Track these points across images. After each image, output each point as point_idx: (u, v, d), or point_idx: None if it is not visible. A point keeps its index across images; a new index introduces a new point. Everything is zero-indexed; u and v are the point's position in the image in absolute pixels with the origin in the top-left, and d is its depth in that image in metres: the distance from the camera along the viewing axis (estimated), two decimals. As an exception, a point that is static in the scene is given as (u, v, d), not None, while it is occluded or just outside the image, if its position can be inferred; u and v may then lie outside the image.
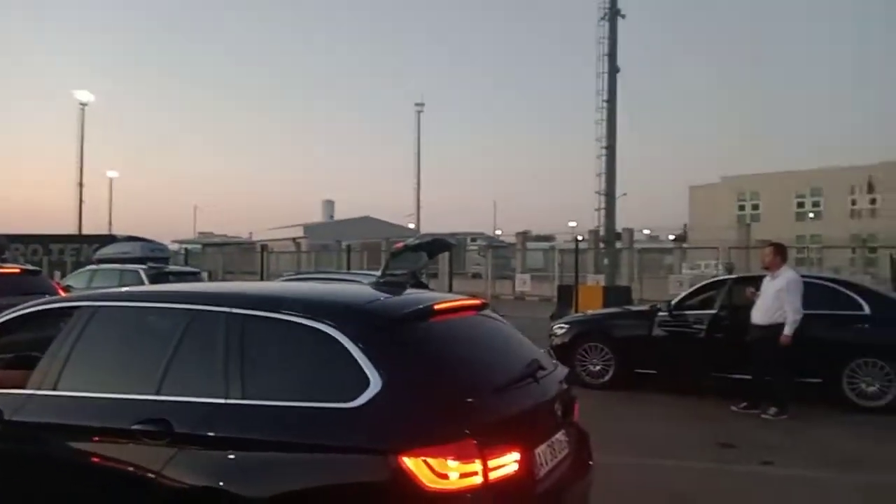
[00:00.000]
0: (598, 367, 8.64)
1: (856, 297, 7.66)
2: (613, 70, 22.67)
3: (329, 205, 69.28)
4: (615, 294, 17.75)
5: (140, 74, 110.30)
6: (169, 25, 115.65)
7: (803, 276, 7.35)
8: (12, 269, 9.48)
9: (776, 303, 7.05)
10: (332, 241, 35.90)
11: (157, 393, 2.87)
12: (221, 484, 2.58)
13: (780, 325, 6.93)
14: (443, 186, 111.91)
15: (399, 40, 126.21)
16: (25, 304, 3.73)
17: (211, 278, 17.01)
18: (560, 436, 3.10)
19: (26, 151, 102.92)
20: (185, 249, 34.06)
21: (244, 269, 33.09)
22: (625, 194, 23.57)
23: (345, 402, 2.57)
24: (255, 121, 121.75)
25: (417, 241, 4.38)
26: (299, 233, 51.63)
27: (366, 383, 2.58)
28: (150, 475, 2.71)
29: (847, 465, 5.54)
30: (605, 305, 14.34)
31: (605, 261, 23.42)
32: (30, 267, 10.44)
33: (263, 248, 30.02)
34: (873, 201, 45.21)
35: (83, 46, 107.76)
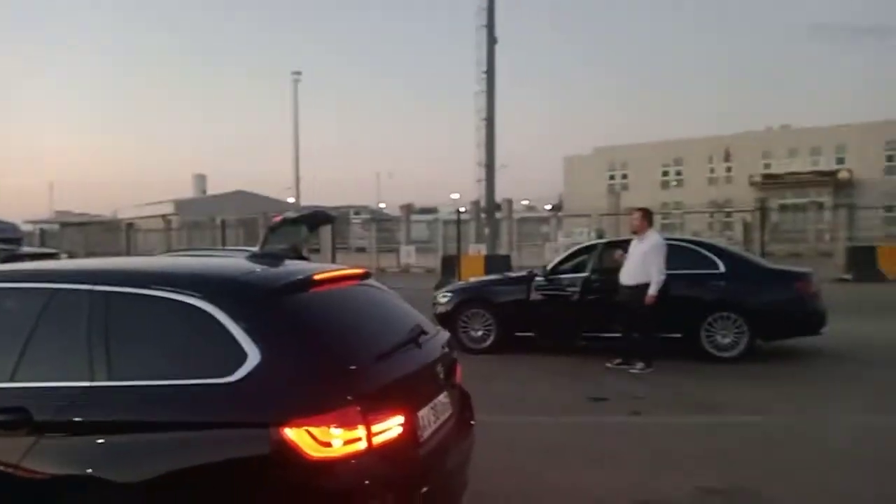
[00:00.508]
0: (479, 333, 8.90)
1: (713, 256, 8.34)
2: (492, 42, 23.01)
3: (201, 179, 65.82)
4: (496, 262, 18.28)
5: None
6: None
7: (667, 239, 7.90)
8: None
9: (642, 264, 7.54)
10: (205, 218, 34.31)
11: (12, 380, 2.65)
12: (90, 471, 2.44)
13: (646, 285, 7.43)
14: (324, 160, 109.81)
15: (276, 8, 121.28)
16: None
17: (71, 259, 15.79)
18: (443, 398, 3.17)
19: None
20: (41, 230, 31.40)
21: (109, 250, 31.00)
22: (505, 166, 24.31)
23: (222, 377, 2.49)
24: (119, 91, 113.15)
25: (297, 215, 4.29)
26: (169, 209, 48.89)
27: (243, 357, 2.52)
28: (6, 468, 2.51)
29: (703, 410, 6.08)
30: (487, 274, 14.73)
31: (487, 231, 23.99)
32: None
33: (129, 225, 28.25)
34: (729, 169, 49.10)
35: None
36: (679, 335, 8.13)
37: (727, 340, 7.96)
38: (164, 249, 22.09)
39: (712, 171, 49.81)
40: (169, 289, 2.74)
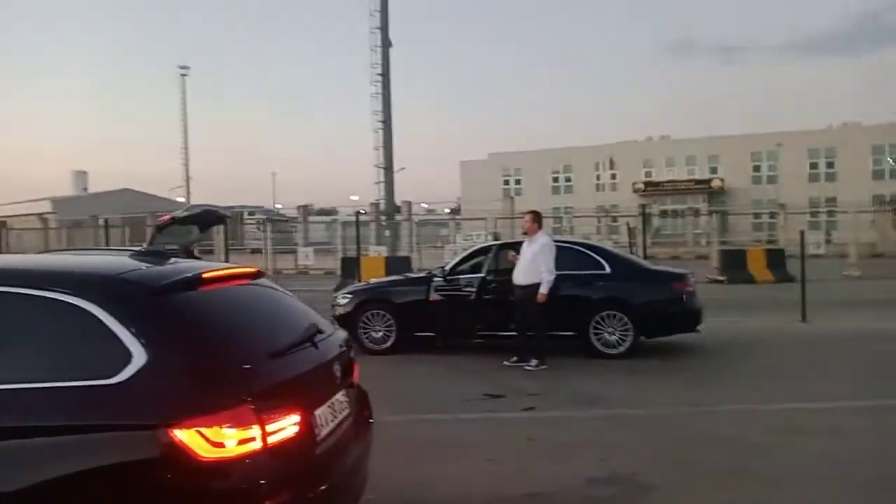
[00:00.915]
0: (380, 333, 8.92)
1: (599, 258, 8.77)
2: (386, 44, 23.05)
3: (81, 176, 61.71)
4: (396, 264, 18.33)
5: None
6: None
7: (556, 241, 8.25)
8: None
9: (533, 265, 7.83)
10: (87, 217, 32.27)
11: None
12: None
13: (537, 285, 7.71)
14: (215, 159, 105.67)
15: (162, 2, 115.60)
16: None
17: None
18: (340, 396, 3.18)
19: None
20: None
21: (-24, 250, 28.51)
22: (403, 168, 24.36)
23: (105, 378, 2.40)
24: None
25: (186, 213, 4.16)
26: (46, 207, 45.58)
27: (128, 357, 2.44)
28: None
29: (592, 404, 6.40)
30: (388, 275, 14.75)
31: (387, 233, 24.01)
32: None
33: (2, 224, 26.12)
34: (614, 177, 51.60)
35: None
36: (571, 333, 8.48)
37: (614, 338, 8.39)
38: (41, 250, 20.57)
39: (598, 177, 52.21)
40: (47, 287, 2.61)
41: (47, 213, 41.20)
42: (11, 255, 4.47)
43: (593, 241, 12.99)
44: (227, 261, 19.41)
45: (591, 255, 8.84)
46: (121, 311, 2.54)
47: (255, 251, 29.16)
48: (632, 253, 15.44)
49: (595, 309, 8.43)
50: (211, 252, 22.12)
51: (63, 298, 2.57)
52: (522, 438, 5.41)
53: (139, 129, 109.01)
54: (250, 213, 37.79)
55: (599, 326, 8.40)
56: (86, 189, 59.62)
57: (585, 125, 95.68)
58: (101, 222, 27.32)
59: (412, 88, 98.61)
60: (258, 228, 30.30)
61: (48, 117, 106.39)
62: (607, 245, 12.71)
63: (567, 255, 8.41)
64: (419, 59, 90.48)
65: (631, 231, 20.60)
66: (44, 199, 50.36)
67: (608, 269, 8.65)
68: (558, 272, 7.83)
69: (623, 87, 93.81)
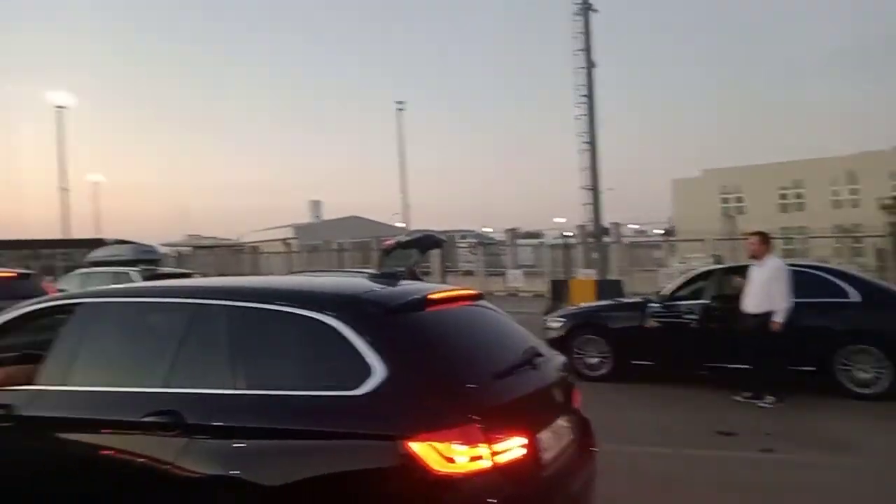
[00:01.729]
0: (595, 360, 8.70)
1: (843, 284, 7.76)
2: (590, 65, 22.73)
3: (316, 205, 69.03)
4: (607, 287, 17.82)
5: (123, 76, 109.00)
6: (149, 25, 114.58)
7: (790, 265, 7.45)
8: (7, 272, 9.45)
9: (765, 291, 7.15)
10: (322, 241, 35.85)
11: (166, 385, 2.90)
12: (235, 472, 2.63)
13: (770, 313, 7.03)
14: (430, 185, 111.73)
15: (381, 39, 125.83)
16: (25, 303, 3.75)
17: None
18: (562, 422, 3.15)
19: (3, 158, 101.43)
20: (177, 251, 33.87)
21: (235, 271, 32.98)
22: (611, 189, 23.72)
23: (349, 389, 2.62)
24: (241, 122, 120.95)
25: (408, 238, 4.41)
26: (289, 234, 51.46)
27: (368, 371, 2.63)
28: (164, 465, 2.74)
29: (840, 450, 5.64)
30: (598, 299, 14.42)
31: (595, 255, 23.52)
32: (23, 270, 10.41)
33: (254, 248, 29.93)
34: (855, 191, 45.67)
35: (60, 48, 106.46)
36: (812, 368, 7.59)
37: (867, 376, 7.35)
38: (287, 271, 23.26)
39: (836, 193, 46.50)
40: (297, 305, 2.91)
41: (290, 238, 46.45)
42: (266, 277, 5.08)
43: (834, 265, 11.58)
44: (443, 282, 20.37)
45: (833, 281, 7.85)
46: (362, 328, 2.75)
47: (467, 273, 30.22)
48: (883, 278, 13.51)
49: (841, 342, 7.45)
50: (428, 274, 23.37)
51: (311, 315, 2.84)
52: (758, 480, 4.93)
53: (365, 160, 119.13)
54: (462, 237, 39.28)
55: (847, 362, 7.41)
56: (319, 217, 66.43)
57: (815, 136, 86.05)
58: (334, 246, 30.21)
59: (618, 107, 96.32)
60: (470, 252, 31.38)
61: (291, 152, 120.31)
62: (853, 269, 11.26)
63: (804, 280, 7.55)
64: (624, 76, 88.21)
65: (879, 253, 18.07)
66: (287, 226, 56.93)
67: (856, 297, 7.62)
68: (795, 299, 7.07)
69: (857, 91, 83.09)
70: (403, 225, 48.30)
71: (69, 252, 25.47)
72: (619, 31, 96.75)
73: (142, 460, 2.82)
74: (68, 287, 12.55)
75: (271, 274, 21.39)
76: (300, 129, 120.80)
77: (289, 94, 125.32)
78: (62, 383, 3.14)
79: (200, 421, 2.75)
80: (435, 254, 21.53)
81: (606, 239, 25.19)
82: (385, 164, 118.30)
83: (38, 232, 37.38)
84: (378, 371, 2.62)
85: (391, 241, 4.72)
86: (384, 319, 2.87)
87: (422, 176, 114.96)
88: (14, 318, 3.65)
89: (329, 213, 65.60)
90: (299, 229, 55.16)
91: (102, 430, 2.98)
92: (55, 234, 36.44)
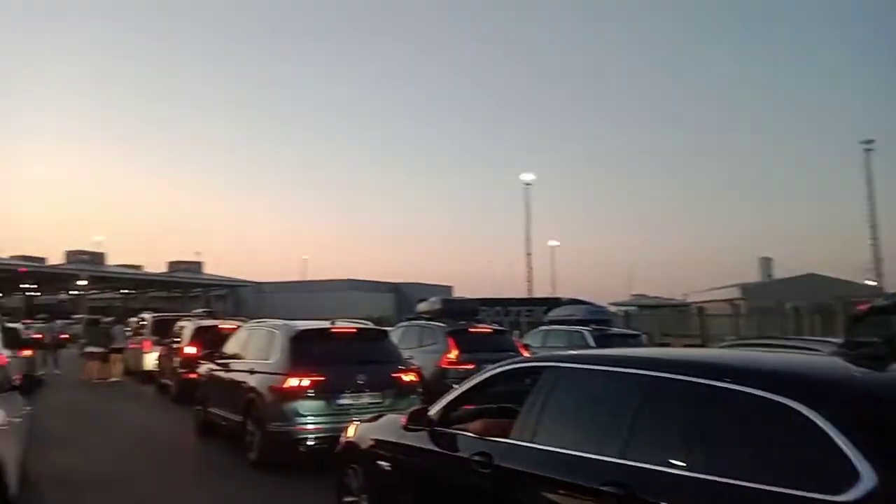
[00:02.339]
0: None
1: None
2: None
3: (766, 262, 63.74)
4: None
5: (571, 154, 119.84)
6: (586, 104, 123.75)
7: None
8: (485, 328, 11.20)
9: None
10: (772, 303, 32.85)
11: (621, 456, 2.97)
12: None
13: None
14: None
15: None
16: (504, 362, 4.33)
17: (648, 341, 17.18)
18: None
19: (483, 225, 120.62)
20: (625, 312, 35.21)
21: (679, 332, 32.52)
22: None
23: (829, 493, 2.27)
24: (680, 181, 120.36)
25: (890, 302, 3.70)
26: (735, 294, 48.69)
27: (854, 475, 2.25)
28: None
29: None
30: None
31: None
32: (498, 327, 12.18)
33: (700, 310, 29.12)
34: None
35: (526, 133, 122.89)
36: None
37: None
38: (733, 336, 22.00)
39: None
40: (765, 388, 2.67)
41: (737, 299, 43.90)
42: (724, 350, 4.82)
43: None
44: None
45: None
46: (845, 420, 2.39)
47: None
48: None
49: None
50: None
51: (780, 400, 2.57)
52: None
53: (819, 212, 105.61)
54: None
55: None
56: (770, 275, 61.18)
57: None
58: (786, 308, 27.35)
59: None
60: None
61: (737, 208, 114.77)
62: None
63: None
64: None
65: None
66: (733, 285, 53.98)
67: None
68: None
69: None
70: (875, 283, 41.02)
71: (532, 309, 28.80)
72: None
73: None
74: (532, 342, 14.16)
75: (720, 339, 20.47)
76: (750, 182, 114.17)
77: (737, 148, 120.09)
78: (530, 440, 3.49)
79: (651, 498, 2.73)
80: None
81: None
82: (844, 214, 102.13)
83: (507, 291, 43.46)
84: (867, 477, 2.22)
85: (866, 306, 4.02)
86: (872, 412, 2.45)
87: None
88: (494, 375, 4.25)
89: (781, 272, 59.91)
90: (747, 289, 51.73)
91: (560, 490, 3.19)
92: (521, 293, 42.15)
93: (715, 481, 2.59)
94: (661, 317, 38.24)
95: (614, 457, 2.99)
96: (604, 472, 2.96)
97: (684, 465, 2.71)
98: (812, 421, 2.44)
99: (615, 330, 14.62)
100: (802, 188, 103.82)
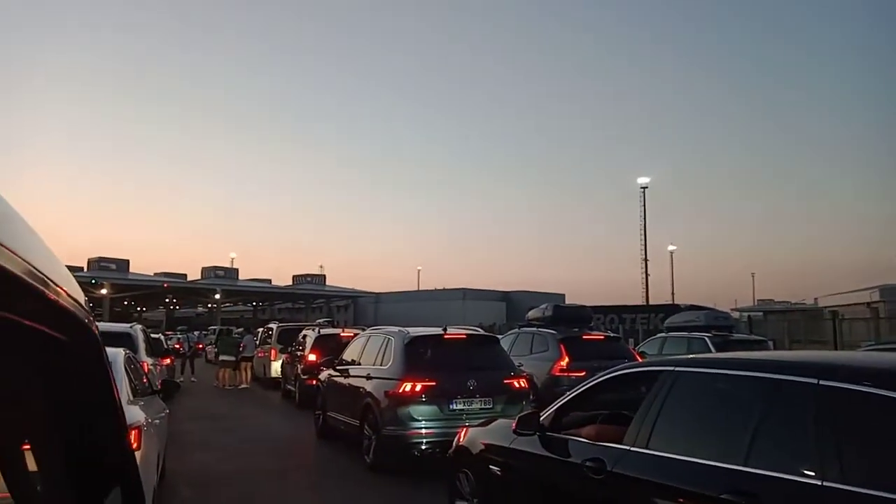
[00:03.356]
0: None
1: None
2: None
3: (913, 262, 58.16)
4: None
5: (690, 156, 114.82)
6: (703, 103, 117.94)
7: None
8: (598, 335, 10.93)
9: None
10: (920, 306, 29.93)
11: (744, 464, 2.80)
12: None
13: None
14: None
15: None
16: (616, 367, 4.20)
17: (776, 347, 16.07)
18: None
19: (596, 231, 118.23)
20: (748, 317, 33.29)
21: (811, 338, 30.30)
22: None
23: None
24: (805, 180, 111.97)
25: None
26: (873, 296, 44.72)
27: None
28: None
29: None
30: None
31: None
32: (611, 334, 11.86)
33: (834, 314, 27.02)
34: None
35: (641, 135, 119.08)
36: None
37: None
38: (871, 341, 20.25)
39: None
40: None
41: (876, 301, 40.37)
42: (855, 352, 4.46)
43: None
44: None
45: None
46: None
47: None
48: None
49: None
50: None
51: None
52: None
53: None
54: None
55: None
56: (919, 275, 55.72)
57: None
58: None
59: None
60: None
61: (874, 207, 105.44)
62: None
63: None
64: None
65: None
66: (872, 287, 49.65)
67: None
68: None
69: None
70: None
71: (648, 317, 27.82)
72: None
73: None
74: (648, 350, 13.65)
75: (856, 344, 18.90)
76: (880, 180, 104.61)
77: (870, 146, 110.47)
78: (644, 446, 3.36)
79: (778, 507, 2.55)
80: None
81: None
82: None
83: (623, 298, 42.22)
84: None
85: None
86: None
87: None
88: (607, 380, 4.13)
89: (930, 272, 54.38)
90: (887, 290, 47.40)
91: (678, 499, 3.05)
92: (637, 300, 40.79)
93: (849, 491, 2.39)
94: (789, 322, 35.77)
95: (736, 464, 2.83)
96: (725, 480, 2.80)
97: (817, 473, 2.52)
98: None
99: (738, 336, 13.77)
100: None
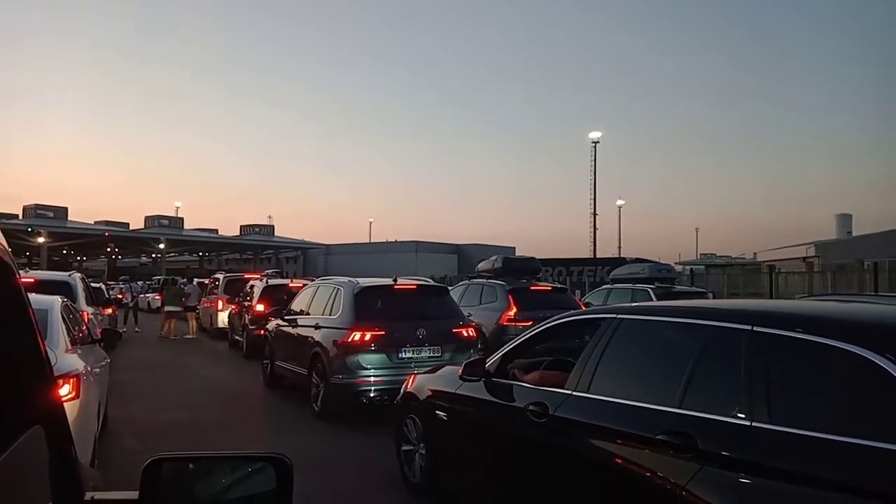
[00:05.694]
0: None
1: None
2: None
3: (845, 219, 60.51)
4: None
5: (640, 113, 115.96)
6: (653, 60, 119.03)
7: None
8: (545, 286, 11.11)
9: None
10: (850, 260, 31.35)
11: (679, 406, 2.89)
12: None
13: None
14: None
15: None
16: (561, 315, 4.28)
17: (715, 299, 16.72)
18: None
19: (546, 186, 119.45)
20: (691, 270, 34.32)
21: (749, 291, 31.54)
22: None
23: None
24: (749, 138, 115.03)
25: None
26: (809, 252, 46.67)
27: None
28: (671, 486, 2.74)
29: None
30: None
31: None
32: (558, 285, 12.08)
33: (771, 268, 28.11)
34: None
35: (591, 92, 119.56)
36: None
37: None
38: (805, 294, 21.17)
39: None
40: (832, 336, 2.55)
41: (810, 257, 42.12)
42: (788, 301, 4.63)
43: None
44: None
45: None
46: None
47: None
48: None
49: None
50: None
51: (849, 349, 2.45)
52: None
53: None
54: None
55: None
56: (849, 232, 58.28)
57: None
58: (865, 266, 26.10)
59: None
60: None
61: (813, 164, 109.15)
62: None
63: None
64: None
65: None
66: (807, 243, 51.68)
67: None
68: None
69: None
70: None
71: (594, 269, 28.38)
72: None
73: (648, 475, 2.89)
74: (594, 301, 13.98)
75: (791, 297, 19.74)
76: (823, 136, 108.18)
77: (802, 102, 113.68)
78: (586, 390, 3.45)
79: (713, 449, 2.66)
80: None
81: None
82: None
83: (571, 251, 42.99)
84: None
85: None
86: None
87: None
88: (551, 327, 4.21)
89: (861, 229, 56.93)
90: (822, 247, 49.49)
91: (616, 440, 3.15)
92: (586, 253, 41.62)
93: (779, 431, 2.50)
94: (729, 275, 37.06)
95: (673, 406, 2.92)
96: (660, 422, 2.90)
97: (747, 414, 2.62)
98: (884, 368, 2.32)
99: (680, 288, 14.28)
100: (882, 142, 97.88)
